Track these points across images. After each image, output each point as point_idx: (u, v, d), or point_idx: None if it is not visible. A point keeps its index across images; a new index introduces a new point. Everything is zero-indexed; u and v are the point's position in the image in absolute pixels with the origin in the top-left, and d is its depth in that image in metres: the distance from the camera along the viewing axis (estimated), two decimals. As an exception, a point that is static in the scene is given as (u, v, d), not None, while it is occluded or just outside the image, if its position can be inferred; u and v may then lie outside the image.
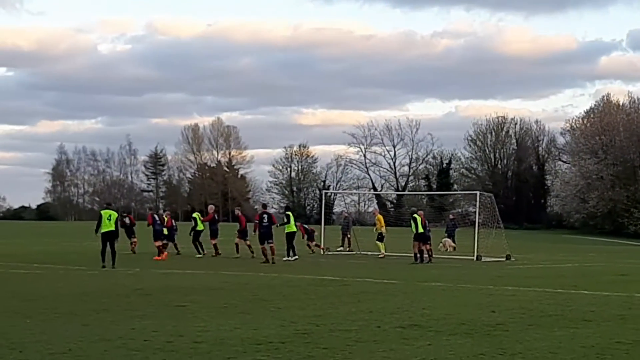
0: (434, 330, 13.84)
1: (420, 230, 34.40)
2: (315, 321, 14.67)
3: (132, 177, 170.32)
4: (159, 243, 35.38)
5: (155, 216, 37.08)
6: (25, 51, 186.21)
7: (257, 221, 33.25)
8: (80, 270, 27.49)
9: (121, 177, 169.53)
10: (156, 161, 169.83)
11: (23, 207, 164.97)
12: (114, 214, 29.42)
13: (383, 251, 38.83)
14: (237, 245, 36.54)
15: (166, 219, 37.61)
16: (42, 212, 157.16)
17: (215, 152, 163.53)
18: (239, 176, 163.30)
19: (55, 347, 11.57)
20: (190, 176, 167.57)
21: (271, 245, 32.44)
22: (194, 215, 38.98)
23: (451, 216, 54.43)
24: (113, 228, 29.00)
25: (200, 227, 38.06)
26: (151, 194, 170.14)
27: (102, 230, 28.91)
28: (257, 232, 32.88)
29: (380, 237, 39.52)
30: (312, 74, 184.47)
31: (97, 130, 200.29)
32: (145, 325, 13.85)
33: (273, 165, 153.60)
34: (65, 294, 19.30)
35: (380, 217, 40.84)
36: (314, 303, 17.82)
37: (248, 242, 35.93)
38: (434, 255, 36.63)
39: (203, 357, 10.88)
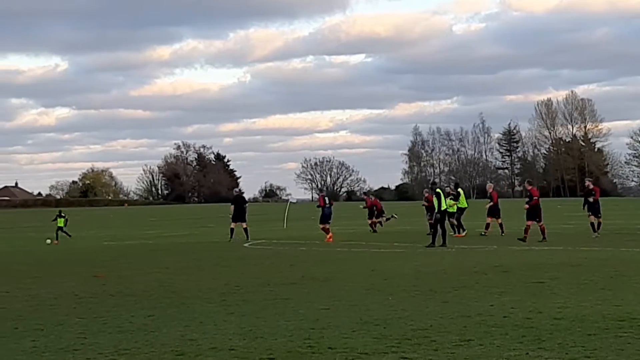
0: None
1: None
2: (681, 297, 13.99)
3: (486, 155, 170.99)
4: (323, 226, 35.34)
5: (326, 199, 36.55)
6: (383, 37, 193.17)
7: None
8: (438, 248, 28.02)
9: (475, 156, 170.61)
10: (510, 138, 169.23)
11: (382, 188, 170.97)
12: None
13: None
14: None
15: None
16: (401, 193, 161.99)
17: (570, 127, 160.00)
18: (596, 150, 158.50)
19: (417, 323, 11.93)
20: (545, 152, 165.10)
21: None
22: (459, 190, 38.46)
23: None
24: (466, 205, 29.58)
25: (462, 204, 36.96)
26: (506, 171, 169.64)
27: (443, 208, 29.41)
28: None
29: None
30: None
31: (452, 110, 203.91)
32: (504, 302, 13.91)
33: (631, 137, 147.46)
34: (425, 271, 19.78)
35: None
36: (680, 278, 16.98)
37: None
38: None
39: (563, 334, 10.74)
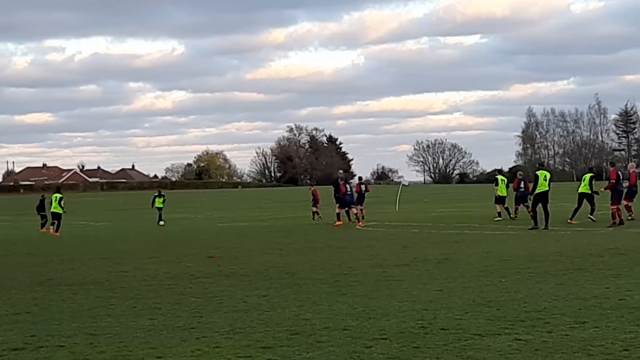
0: None
1: None
2: None
3: (602, 137, 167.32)
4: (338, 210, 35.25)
5: (347, 186, 36.45)
6: (499, 17, 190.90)
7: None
8: (553, 230, 27.63)
9: (591, 137, 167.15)
10: (627, 119, 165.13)
11: (496, 170, 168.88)
12: (549, 175, 29.42)
13: None
14: None
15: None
16: (514, 175, 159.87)
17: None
18: None
19: (530, 305, 11.85)
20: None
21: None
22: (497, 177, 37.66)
23: None
24: (547, 188, 28.86)
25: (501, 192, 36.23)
26: (622, 152, 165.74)
27: (537, 191, 28.83)
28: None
29: None
30: None
31: (569, 91, 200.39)
32: (619, 285, 13.68)
33: None
34: (539, 253, 19.55)
35: None
36: None
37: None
38: None
39: (681, 317, 10.53)
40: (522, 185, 35.49)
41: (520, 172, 42.75)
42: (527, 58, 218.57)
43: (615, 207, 29.58)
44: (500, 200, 36.34)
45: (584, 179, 32.32)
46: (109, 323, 11.43)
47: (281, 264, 18.96)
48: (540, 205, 28.69)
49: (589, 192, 31.55)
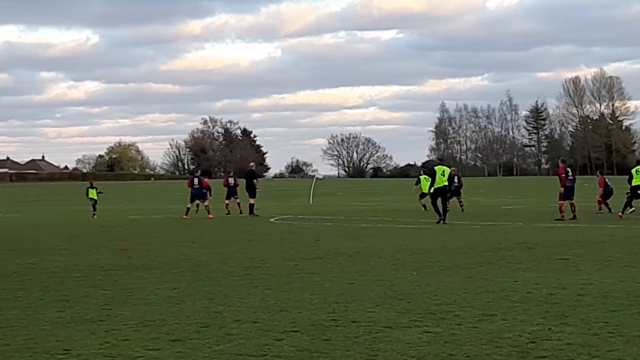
0: None
1: None
2: None
3: (513, 133, 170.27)
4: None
5: (230, 179, 38.73)
6: (415, 13, 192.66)
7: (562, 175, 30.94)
8: (463, 224, 28.03)
9: (502, 133, 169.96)
10: (537, 116, 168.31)
11: (409, 164, 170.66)
12: (447, 170, 29.82)
13: None
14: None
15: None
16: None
17: (597, 104, 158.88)
18: (623, 128, 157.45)
19: (440, 298, 11.98)
20: (572, 129, 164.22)
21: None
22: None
23: None
24: (446, 183, 29.35)
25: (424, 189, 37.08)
26: (533, 148, 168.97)
27: (436, 186, 29.36)
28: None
29: None
30: None
31: (482, 87, 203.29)
32: (528, 278, 13.92)
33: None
34: (450, 247, 19.80)
35: None
36: None
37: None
38: None
39: (586, 310, 10.75)
40: (455, 180, 36.38)
41: (453, 168, 43.61)
42: (442, 54, 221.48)
43: (563, 202, 30.30)
44: (424, 195, 36.69)
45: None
46: (15, 315, 11.19)
47: (193, 256, 18.82)
48: (440, 199, 29.19)
49: None
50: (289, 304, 11.66)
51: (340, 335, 9.45)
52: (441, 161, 32.68)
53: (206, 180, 38.75)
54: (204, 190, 37.17)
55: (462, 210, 37.08)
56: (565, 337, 9.10)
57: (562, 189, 30.39)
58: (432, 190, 29.64)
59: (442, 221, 28.52)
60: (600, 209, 34.23)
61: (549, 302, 11.45)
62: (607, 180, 35.38)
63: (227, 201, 39.06)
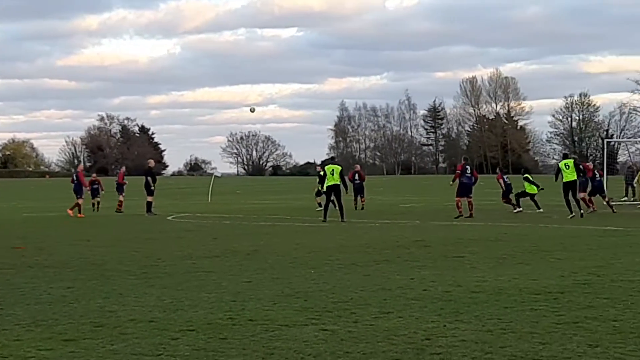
0: None
1: None
2: (596, 272, 14.31)
3: (411, 132, 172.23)
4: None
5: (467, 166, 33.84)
6: (316, 11, 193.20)
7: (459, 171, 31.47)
8: (362, 222, 28.22)
9: (401, 132, 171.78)
10: (435, 115, 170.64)
11: (309, 163, 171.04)
12: (338, 168, 30.02)
13: None
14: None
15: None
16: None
17: (493, 104, 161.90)
18: (518, 128, 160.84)
19: (338, 296, 12.00)
20: (469, 129, 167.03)
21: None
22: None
23: None
24: (338, 182, 29.56)
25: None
26: (430, 147, 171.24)
27: (327, 184, 29.63)
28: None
29: None
30: (602, 20, 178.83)
31: (381, 86, 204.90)
32: (424, 276, 14.07)
33: (553, 116, 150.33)
34: (348, 245, 19.91)
35: None
36: (595, 254, 17.38)
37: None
38: None
39: (480, 307, 10.91)
40: (356, 177, 36.93)
41: (357, 164, 44.34)
42: (342, 52, 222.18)
43: (459, 199, 30.86)
44: (320, 194, 36.89)
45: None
46: None
47: (88, 255, 18.49)
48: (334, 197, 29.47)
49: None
50: (186, 302, 11.54)
51: (237, 333, 9.39)
52: (332, 160, 33.04)
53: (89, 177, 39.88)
54: (92, 187, 38.71)
55: (362, 207, 37.47)
56: (459, 334, 9.22)
57: (453, 183, 31.08)
58: (324, 189, 30.09)
59: (323, 218, 28.77)
60: (514, 207, 34.39)
61: (444, 299, 11.59)
62: (505, 178, 35.71)
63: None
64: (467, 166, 31.82)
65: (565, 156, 32.37)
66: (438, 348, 8.58)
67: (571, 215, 28.78)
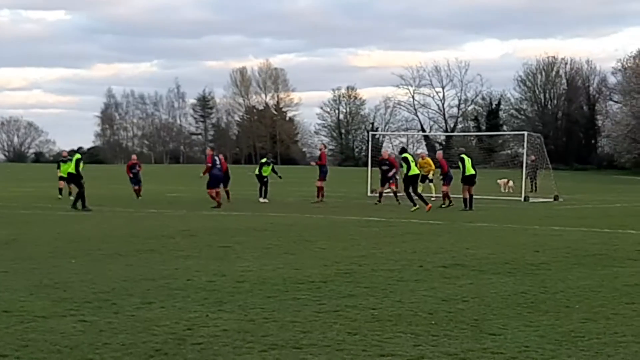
0: (477, 269, 13.80)
1: (471, 172, 30.84)
2: (358, 261, 14.70)
3: (180, 121, 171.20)
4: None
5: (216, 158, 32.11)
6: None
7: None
8: (127, 212, 27.76)
9: (170, 121, 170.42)
10: (204, 104, 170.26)
11: (73, 150, 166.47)
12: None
13: (434, 193, 37.86)
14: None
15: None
16: (92, 156, 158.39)
17: (263, 95, 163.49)
18: (287, 119, 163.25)
19: (99, 286, 11.70)
20: (238, 119, 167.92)
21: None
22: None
23: (533, 157, 45.31)
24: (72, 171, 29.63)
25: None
26: (200, 137, 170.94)
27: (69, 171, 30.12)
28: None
29: (429, 180, 38.61)
30: (370, 15, 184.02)
31: (152, 73, 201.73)
32: (188, 266, 13.97)
33: (321, 108, 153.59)
34: (112, 235, 19.50)
35: (429, 160, 38.06)
36: (358, 244, 17.85)
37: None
38: (482, 197, 35.73)
39: (244, 296, 10.94)
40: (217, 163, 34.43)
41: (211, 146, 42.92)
42: (111, 38, 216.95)
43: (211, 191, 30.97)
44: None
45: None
46: None
47: None
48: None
49: None
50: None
51: (-10, 327, 8.95)
52: (79, 150, 33.06)
53: None
54: None
55: (139, 196, 36.86)
56: (222, 324, 9.19)
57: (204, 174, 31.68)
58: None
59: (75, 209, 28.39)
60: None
61: (208, 289, 11.54)
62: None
63: None
64: (216, 157, 31.82)
65: (403, 150, 33.00)
66: (199, 338, 8.51)
67: (415, 208, 29.24)
